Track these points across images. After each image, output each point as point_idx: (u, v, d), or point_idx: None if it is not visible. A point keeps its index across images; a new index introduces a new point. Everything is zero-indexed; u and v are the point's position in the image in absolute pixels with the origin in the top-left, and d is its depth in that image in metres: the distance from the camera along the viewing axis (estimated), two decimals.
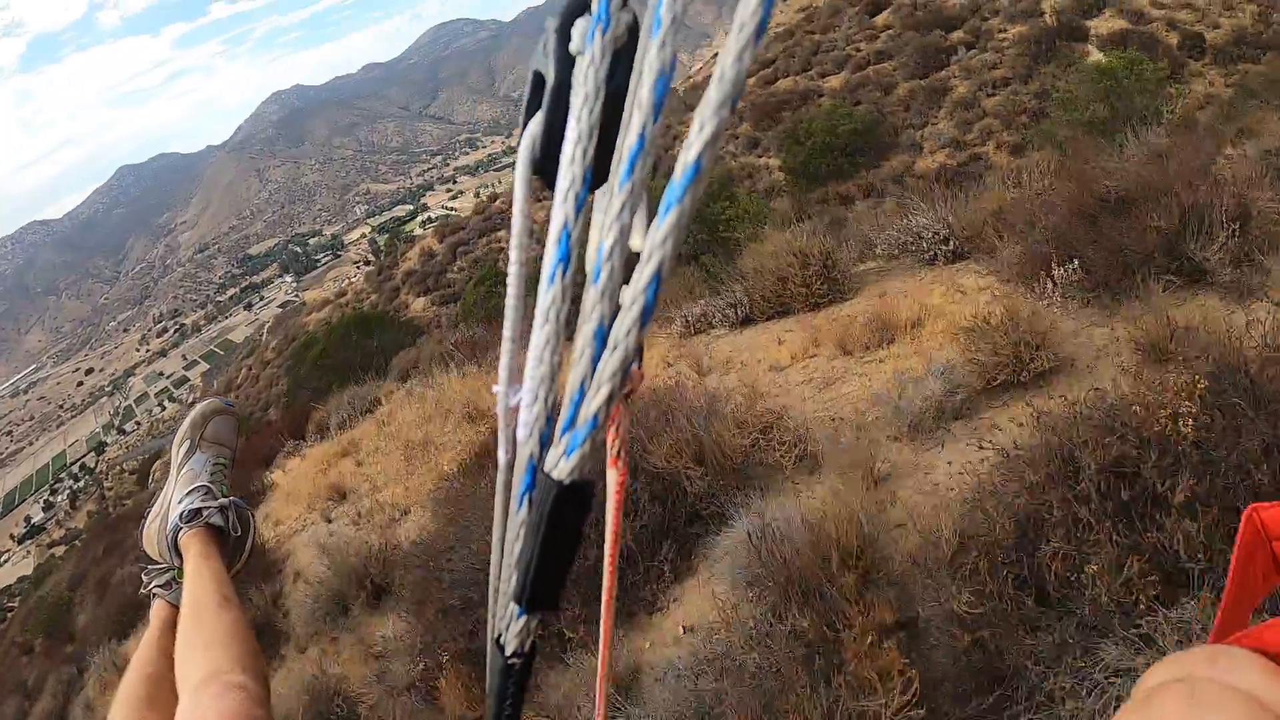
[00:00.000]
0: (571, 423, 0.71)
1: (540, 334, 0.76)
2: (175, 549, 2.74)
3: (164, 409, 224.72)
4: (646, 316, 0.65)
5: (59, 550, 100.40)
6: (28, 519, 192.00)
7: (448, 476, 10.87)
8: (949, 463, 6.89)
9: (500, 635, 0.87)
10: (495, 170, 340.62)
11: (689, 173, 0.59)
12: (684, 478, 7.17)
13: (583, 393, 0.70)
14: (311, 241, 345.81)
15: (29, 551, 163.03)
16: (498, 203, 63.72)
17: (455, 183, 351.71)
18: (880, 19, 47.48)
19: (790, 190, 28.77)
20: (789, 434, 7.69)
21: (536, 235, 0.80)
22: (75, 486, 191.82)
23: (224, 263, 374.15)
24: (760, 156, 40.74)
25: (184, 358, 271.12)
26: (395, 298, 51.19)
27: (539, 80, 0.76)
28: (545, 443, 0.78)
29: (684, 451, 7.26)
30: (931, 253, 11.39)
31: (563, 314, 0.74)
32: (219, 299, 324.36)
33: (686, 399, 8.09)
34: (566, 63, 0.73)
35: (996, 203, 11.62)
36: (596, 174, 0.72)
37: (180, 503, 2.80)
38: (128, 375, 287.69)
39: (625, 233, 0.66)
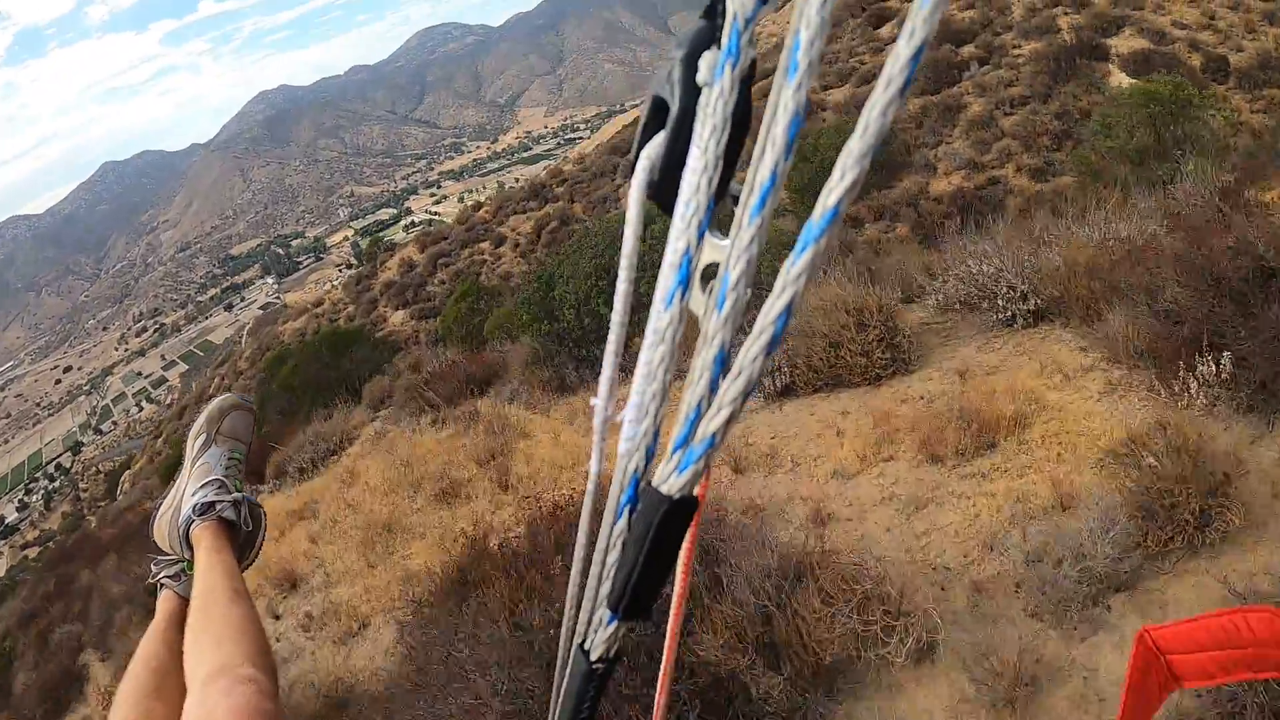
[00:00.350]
0: (686, 440, 0.73)
1: (655, 353, 0.78)
2: (186, 541, 2.73)
3: (141, 409, 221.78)
4: (773, 346, 0.67)
5: (32, 552, 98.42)
6: (1, 518, 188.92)
7: (415, 580, 8.87)
8: (1114, 661, 4.87)
9: (585, 641, 0.91)
10: (480, 175, 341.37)
11: (828, 215, 0.62)
12: (749, 680, 4.99)
13: (699, 413, 0.72)
14: (294, 243, 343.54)
15: (1, 552, 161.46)
16: (481, 212, 60.66)
17: (439, 187, 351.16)
18: (885, 30, 45.64)
19: (795, 210, 26.89)
20: (890, 601, 5.42)
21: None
22: (50, 487, 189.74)
23: (206, 262, 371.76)
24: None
25: (163, 358, 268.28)
26: (373, 310, 48.25)
27: (660, 105, 0.77)
28: (650, 457, 0.81)
29: (746, 638, 5.09)
30: (1009, 313, 9.38)
31: (679, 335, 0.77)
32: (200, 299, 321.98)
33: (743, 545, 5.79)
34: (693, 91, 0.74)
35: (1081, 254, 9.52)
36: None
37: (194, 495, 2.80)
38: (106, 374, 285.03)
39: (753, 264, 0.68)
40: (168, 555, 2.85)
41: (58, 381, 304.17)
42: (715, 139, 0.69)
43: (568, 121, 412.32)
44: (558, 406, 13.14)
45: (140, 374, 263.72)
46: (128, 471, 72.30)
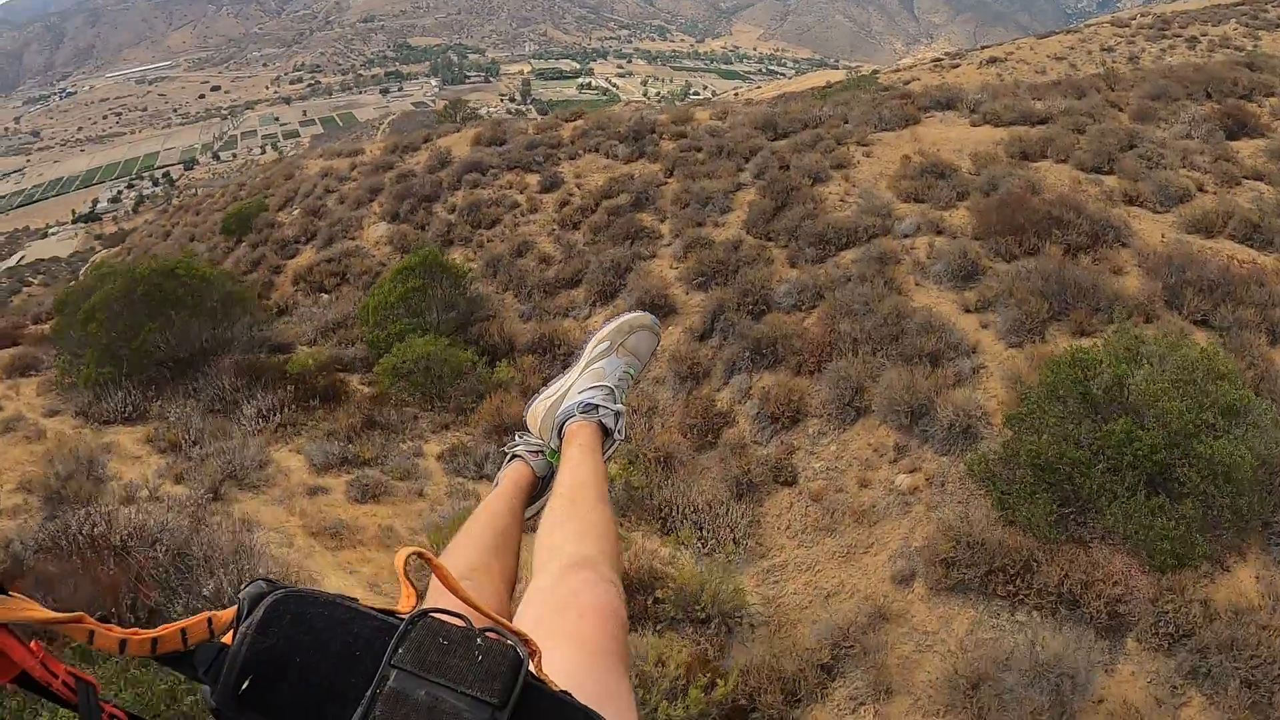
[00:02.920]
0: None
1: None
2: (559, 432, 2.84)
3: (264, 152, 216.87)
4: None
5: (97, 248, 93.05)
6: (94, 201, 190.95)
7: None
8: None
9: None
10: (673, 66, 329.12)
11: None
12: None
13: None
14: (471, 57, 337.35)
15: (75, 234, 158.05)
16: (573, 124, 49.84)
17: (630, 61, 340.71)
18: (1242, 145, 34.48)
19: None
20: None
21: None
22: (148, 191, 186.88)
23: (383, 40, 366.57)
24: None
25: (304, 113, 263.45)
26: (359, 208, 26.35)
27: None
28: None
29: None
30: None
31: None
32: (363, 72, 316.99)
33: None
34: None
35: None
36: None
37: (582, 393, 2.91)
38: (248, 107, 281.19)
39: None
40: (532, 436, 3.01)
41: (201, 96, 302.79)
42: None
43: (777, 53, 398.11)
44: None
45: (277, 119, 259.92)
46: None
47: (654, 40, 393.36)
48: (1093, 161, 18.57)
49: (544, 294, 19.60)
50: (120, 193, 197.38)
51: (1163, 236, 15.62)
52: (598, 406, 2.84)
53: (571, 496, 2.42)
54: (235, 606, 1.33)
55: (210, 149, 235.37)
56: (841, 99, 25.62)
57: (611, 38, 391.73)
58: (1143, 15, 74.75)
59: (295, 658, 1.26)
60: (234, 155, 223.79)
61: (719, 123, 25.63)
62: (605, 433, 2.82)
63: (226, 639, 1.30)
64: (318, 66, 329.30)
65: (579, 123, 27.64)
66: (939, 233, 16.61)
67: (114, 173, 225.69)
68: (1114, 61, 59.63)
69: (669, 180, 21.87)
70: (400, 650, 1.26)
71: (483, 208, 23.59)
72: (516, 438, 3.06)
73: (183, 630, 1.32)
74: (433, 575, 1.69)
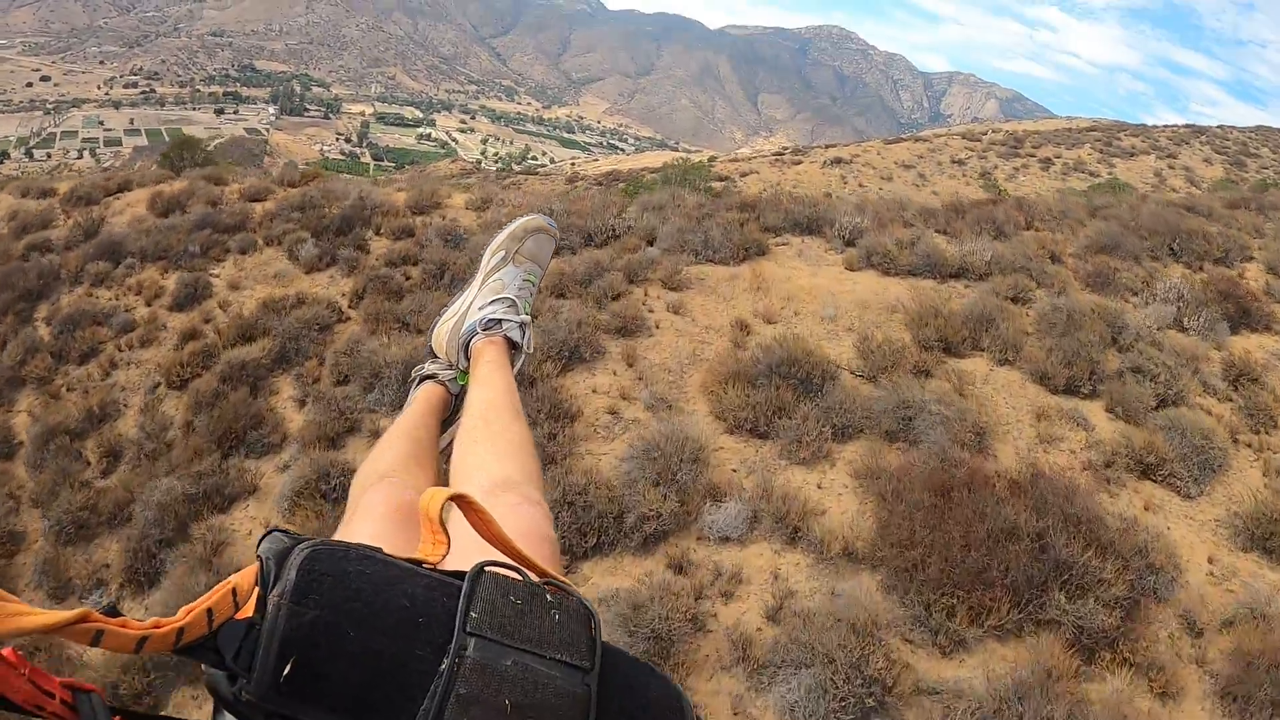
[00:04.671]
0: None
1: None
2: (465, 352, 2.72)
3: (80, 157, 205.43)
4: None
5: None
6: None
7: None
8: None
9: None
10: (515, 128, 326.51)
11: None
12: None
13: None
14: (314, 89, 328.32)
15: None
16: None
17: (474, 118, 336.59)
18: (1248, 341, 26.51)
19: None
20: None
21: None
22: None
23: (229, 58, 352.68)
24: None
25: (131, 122, 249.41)
26: None
27: None
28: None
29: None
30: None
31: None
32: (200, 88, 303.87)
33: None
34: None
35: None
36: None
37: (482, 310, 2.76)
38: (75, 104, 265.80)
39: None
40: (439, 360, 2.88)
41: (29, 84, 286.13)
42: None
43: (621, 128, 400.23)
44: None
45: (102, 123, 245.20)
46: None
47: (501, 100, 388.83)
48: (1062, 373, 10.36)
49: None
50: None
51: (1210, 565, 8.18)
52: (500, 320, 2.68)
53: (484, 416, 2.28)
54: (254, 568, 1.13)
55: (25, 144, 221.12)
56: (655, 200, 16.26)
57: (459, 91, 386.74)
58: (994, 131, 74.15)
59: (346, 630, 1.07)
60: (48, 155, 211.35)
61: (473, 214, 16.95)
62: (513, 346, 2.67)
63: (245, 611, 1.10)
64: (156, 74, 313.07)
65: (285, 192, 18.38)
66: (795, 540, 8.19)
67: None
68: (965, 176, 55.47)
69: (350, 313, 13.35)
70: (473, 613, 1.13)
71: (86, 325, 14.53)
72: (426, 364, 2.89)
73: (209, 610, 1.08)
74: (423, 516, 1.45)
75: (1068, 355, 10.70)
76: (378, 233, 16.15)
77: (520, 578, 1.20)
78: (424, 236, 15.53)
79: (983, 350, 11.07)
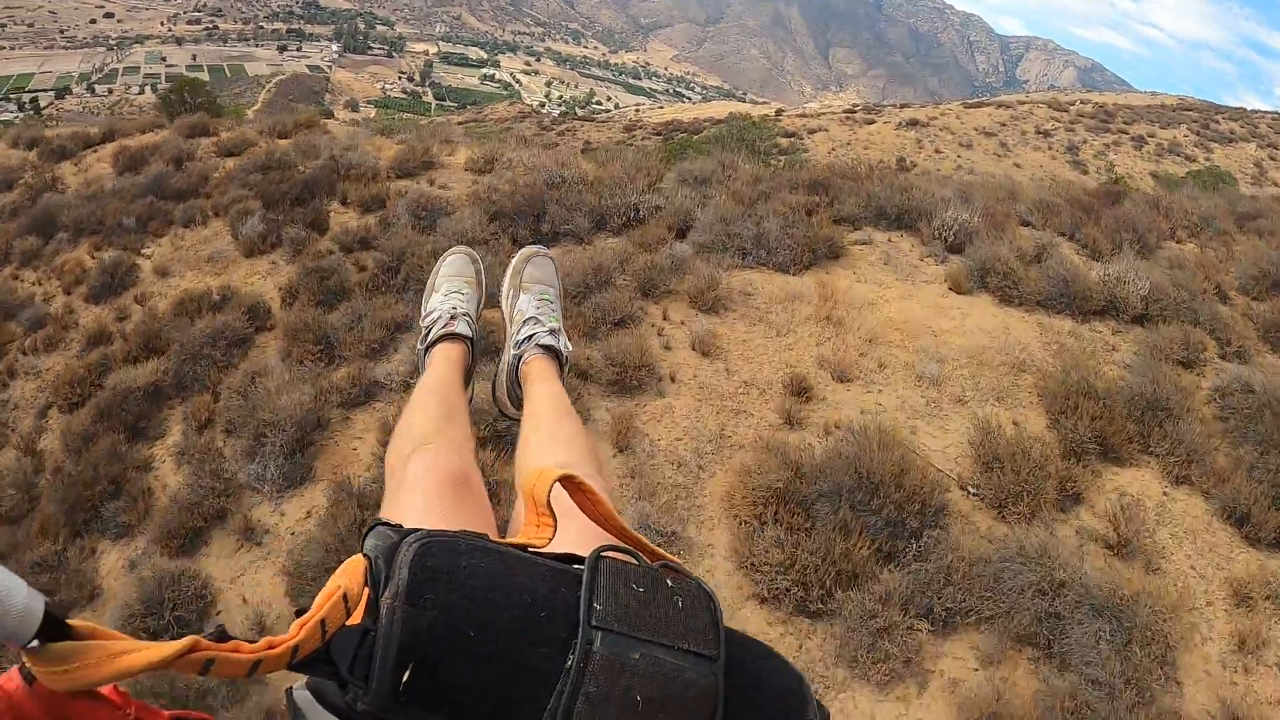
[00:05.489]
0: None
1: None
2: (519, 383, 2.72)
3: (141, 92, 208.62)
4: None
5: None
6: None
7: None
8: None
9: None
10: (580, 72, 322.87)
11: None
12: None
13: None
14: (379, 28, 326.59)
15: None
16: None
17: (538, 59, 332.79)
18: None
19: None
20: None
21: None
22: (5, 117, 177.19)
23: None
24: None
25: (194, 58, 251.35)
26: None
27: None
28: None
29: None
30: None
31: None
32: (264, 25, 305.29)
33: None
34: None
35: None
36: None
37: (518, 342, 2.79)
38: (137, 40, 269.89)
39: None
40: (514, 412, 2.81)
41: (93, 21, 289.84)
42: None
43: (688, 76, 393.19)
44: None
45: (164, 59, 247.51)
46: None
47: (567, 43, 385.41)
48: (1271, 517, 6.52)
49: None
50: None
51: None
52: (532, 336, 2.73)
53: (536, 424, 2.35)
54: (361, 565, 1.10)
55: (87, 79, 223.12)
56: (698, 169, 12.22)
57: (525, 33, 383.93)
58: (1082, 103, 68.35)
59: (466, 630, 1.04)
60: (109, 90, 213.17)
61: (471, 178, 13.34)
62: (553, 355, 2.71)
63: (356, 616, 1.06)
64: (219, 10, 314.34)
65: (268, 145, 15.17)
66: None
67: None
68: (1051, 150, 51.69)
69: (272, 322, 10.17)
70: (597, 605, 1.08)
71: None
72: (441, 316, 2.81)
73: (321, 622, 1.03)
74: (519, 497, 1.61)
75: (1276, 482, 6.94)
76: (344, 202, 12.83)
77: (636, 562, 1.16)
78: (393, 212, 12.12)
79: (1152, 453, 7.22)
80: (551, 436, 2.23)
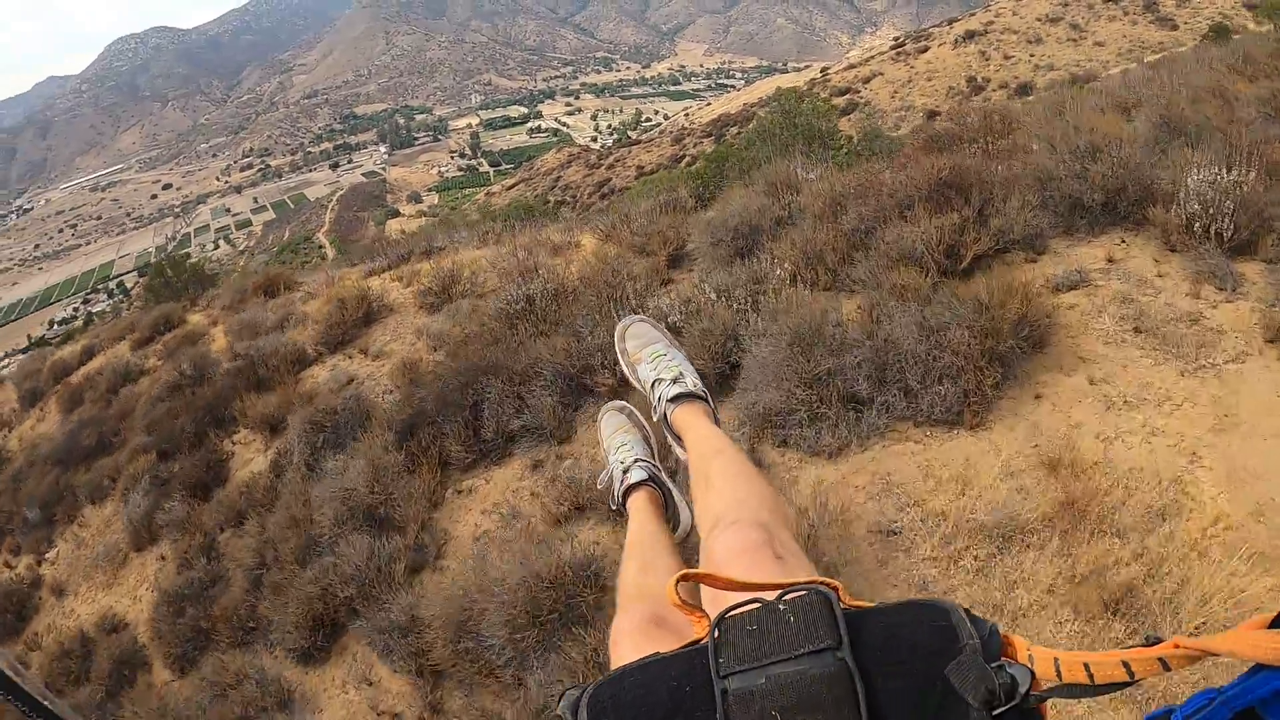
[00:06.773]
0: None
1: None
2: (671, 428, 2.78)
3: (217, 247, 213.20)
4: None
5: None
6: (50, 322, 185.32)
7: None
8: None
9: None
10: (621, 96, 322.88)
11: None
12: None
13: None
14: (418, 118, 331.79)
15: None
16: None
17: (577, 98, 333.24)
18: None
19: None
20: None
21: None
22: (97, 307, 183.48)
23: (328, 114, 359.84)
24: None
25: (255, 200, 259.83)
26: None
27: None
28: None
29: None
30: None
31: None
32: (311, 149, 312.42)
33: None
34: None
35: None
36: None
37: (657, 400, 2.85)
38: (200, 201, 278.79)
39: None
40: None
41: (154, 196, 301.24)
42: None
43: (725, 65, 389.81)
44: None
45: (229, 210, 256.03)
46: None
47: (600, 73, 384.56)
48: None
49: None
50: (76, 309, 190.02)
51: None
52: (661, 396, 2.81)
53: (693, 470, 2.41)
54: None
55: (164, 251, 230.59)
56: (740, 210, 5.77)
57: (557, 76, 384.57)
58: None
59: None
60: (187, 254, 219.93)
61: (412, 333, 9.16)
62: (688, 399, 2.77)
63: None
64: (266, 150, 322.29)
65: (186, 350, 11.66)
66: None
67: (70, 289, 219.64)
68: (1128, 14, 47.86)
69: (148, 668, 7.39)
70: (721, 659, 1.22)
71: None
72: (615, 475, 3.00)
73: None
74: (702, 589, 1.76)
75: None
76: (246, 428, 9.08)
77: (757, 604, 1.25)
78: (287, 441, 8.01)
79: None
80: (705, 487, 2.24)
